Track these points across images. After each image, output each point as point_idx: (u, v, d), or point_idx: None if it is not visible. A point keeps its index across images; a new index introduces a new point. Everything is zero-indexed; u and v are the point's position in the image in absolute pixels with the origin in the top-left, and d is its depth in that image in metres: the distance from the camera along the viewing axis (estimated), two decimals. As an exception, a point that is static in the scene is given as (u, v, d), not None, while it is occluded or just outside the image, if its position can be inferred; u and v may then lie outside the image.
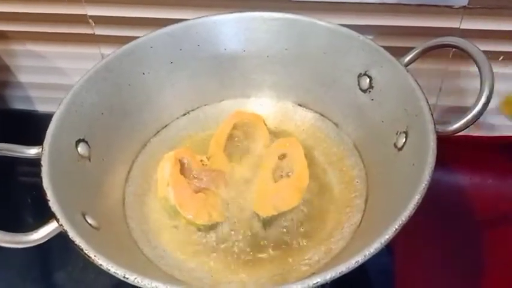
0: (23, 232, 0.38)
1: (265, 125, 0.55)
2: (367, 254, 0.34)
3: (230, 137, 0.54)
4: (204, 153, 0.53)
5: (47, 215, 0.38)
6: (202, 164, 0.52)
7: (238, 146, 0.54)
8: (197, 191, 0.49)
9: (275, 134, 0.55)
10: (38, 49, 0.67)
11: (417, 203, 0.37)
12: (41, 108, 0.74)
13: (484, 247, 0.52)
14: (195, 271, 0.45)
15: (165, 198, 0.48)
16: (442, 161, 0.40)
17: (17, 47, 0.67)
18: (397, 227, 0.36)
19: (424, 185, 0.38)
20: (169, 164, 0.49)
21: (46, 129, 0.44)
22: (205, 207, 0.48)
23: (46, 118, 0.45)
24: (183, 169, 0.50)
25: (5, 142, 0.44)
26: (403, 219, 0.36)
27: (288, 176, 0.50)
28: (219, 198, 0.49)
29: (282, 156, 0.51)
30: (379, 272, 0.53)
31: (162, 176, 0.49)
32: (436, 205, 0.43)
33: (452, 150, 0.50)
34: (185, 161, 0.50)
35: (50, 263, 0.56)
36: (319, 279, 0.33)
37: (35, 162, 0.43)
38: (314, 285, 0.33)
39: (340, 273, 0.34)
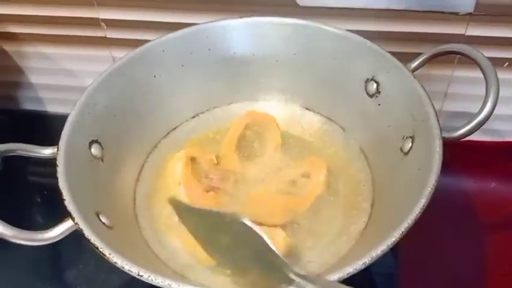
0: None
1: (278, 125, 0.55)
2: (374, 255, 0.35)
3: (242, 137, 0.54)
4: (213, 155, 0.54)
5: (56, 214, 0.39)
6: (213, 164, 0.52)
7: (250, 146, 0.54)
8: (208, 190, 0.49)
9: (283, 137, 0.55)
10: (49, 51, 0.68)
11: (423, 206, 0.38)
12: (51, 109, 0.74)
13: (489, 251, 0.53)
14: (205, 272, 0.45)
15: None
16: (446, 165, 0.40)
17: (29, 48, 0.68)
18: (403, 229, 0.36)
19: (430, 189, 0.39)
20: (180, 163, 0.49)
21: (56, 130, 0.44)
22: (216, 207, 0.48)
23: (56, 119, 0.45)
24: (194, 168, 0.50)
25: (16, 142, 0.44)
26: (409, 222, 0.37)
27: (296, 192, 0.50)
28: (229, 198, 0.50)
29: (305, 174, 0.51)
30: (383, 275, 0.53)
31: (173, 175, 0.49)
32: (440, 209, 0.43)
33: (457, 154, 0.51)
34: (196, 160, 0.51)
35: (61, 261, 0.56)
36: (327, 280, 0.34)
37: (45, 163, 0.43)
38: (322, 286, 0.34)
39: (347, 274, 0.34)
